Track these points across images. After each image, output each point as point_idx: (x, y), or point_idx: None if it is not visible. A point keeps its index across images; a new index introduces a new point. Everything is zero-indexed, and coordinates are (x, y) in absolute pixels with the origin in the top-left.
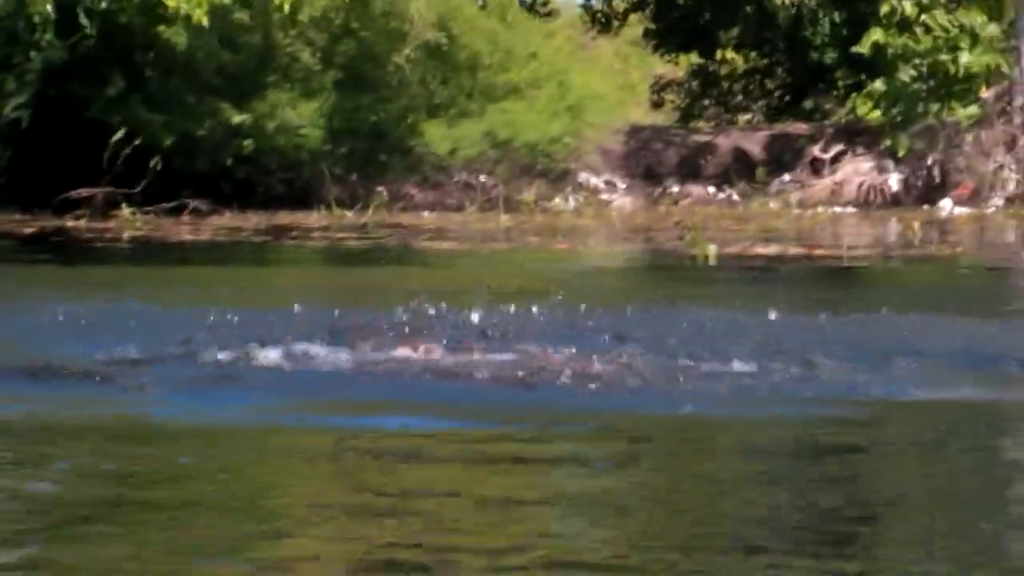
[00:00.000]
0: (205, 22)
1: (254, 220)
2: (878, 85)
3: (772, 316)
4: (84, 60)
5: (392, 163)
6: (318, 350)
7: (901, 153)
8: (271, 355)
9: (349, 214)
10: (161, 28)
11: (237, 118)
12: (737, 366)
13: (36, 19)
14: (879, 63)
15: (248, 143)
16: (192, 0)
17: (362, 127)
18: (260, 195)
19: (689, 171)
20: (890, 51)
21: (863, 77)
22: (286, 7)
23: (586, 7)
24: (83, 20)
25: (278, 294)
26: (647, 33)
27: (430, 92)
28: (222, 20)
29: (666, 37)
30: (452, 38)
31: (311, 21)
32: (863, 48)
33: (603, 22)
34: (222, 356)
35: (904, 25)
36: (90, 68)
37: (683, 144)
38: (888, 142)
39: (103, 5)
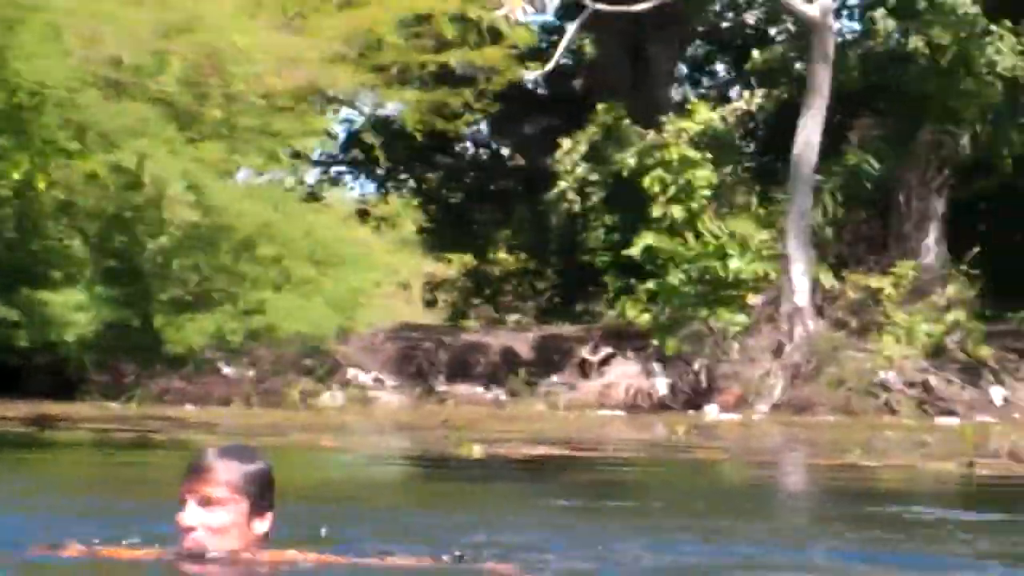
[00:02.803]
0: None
1: (23, 409)
2: (650, 286)
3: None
4: None
5: (157, 356)
6: None
7: (669, 353)
8: None
9: (115, 405)
10: None
11: (3, 311)
12: None
13: None
14: (649, 267)
15: (19, 334)
16: None
17: (128, 318)
18: (26, 385)
19: (457, 371)
20: (661, 255)
21: (632, 281)
22: (42, 185)
23: (361, 202)
24: None
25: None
26: (421, 231)
27: (197, 282)
28: None
29: (439, 236)
30: (219, 227)
31: (81, 210)
32: (635, 251)
33: (378, 219)
34: None
35: (674, 230)
36: None
37: (452, 343)
38: (656, 341)
39: None
